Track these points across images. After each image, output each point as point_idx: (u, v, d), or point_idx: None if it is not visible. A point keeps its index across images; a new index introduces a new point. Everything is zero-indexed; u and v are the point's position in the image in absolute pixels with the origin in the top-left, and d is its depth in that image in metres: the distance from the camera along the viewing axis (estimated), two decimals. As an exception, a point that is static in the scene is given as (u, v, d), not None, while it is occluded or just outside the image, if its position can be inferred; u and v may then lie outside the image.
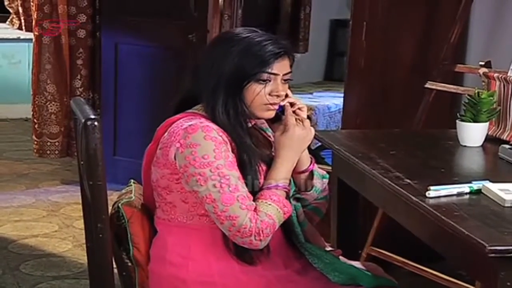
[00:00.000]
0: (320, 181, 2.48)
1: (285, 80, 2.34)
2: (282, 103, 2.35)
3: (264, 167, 2.34)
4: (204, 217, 2.29)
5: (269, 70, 2.30)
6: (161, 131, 2.34)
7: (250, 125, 2.37)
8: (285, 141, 2.34)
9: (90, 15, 5.47)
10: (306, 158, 2.46)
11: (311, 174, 2.46)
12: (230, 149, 2.25)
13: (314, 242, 2.43)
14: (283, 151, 2.34)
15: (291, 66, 2.36)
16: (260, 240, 2.23)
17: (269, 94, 2.31)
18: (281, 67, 2.32)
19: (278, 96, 2.33)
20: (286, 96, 2.36)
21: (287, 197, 2.34)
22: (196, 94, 2.36)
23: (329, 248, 2.49)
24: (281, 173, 2.33)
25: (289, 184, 2.38)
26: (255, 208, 2.24)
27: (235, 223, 2.20)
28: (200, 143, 2.21)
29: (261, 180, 2.31)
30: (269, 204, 2.26)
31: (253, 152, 2.30)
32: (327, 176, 2.53)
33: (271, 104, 2.33)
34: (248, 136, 2.32)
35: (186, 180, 2.24)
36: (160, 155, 2.30)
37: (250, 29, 2.37)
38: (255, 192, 2.28)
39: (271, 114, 2.36)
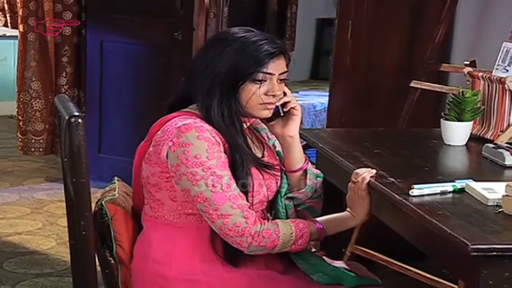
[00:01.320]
0: (314, 180, 2.48)
1: (281, 79, 2.33)
2: (278, 103, 2.35)
3: (255, 169, 2.33)
4: (191, 216, 2.28)
5: (265, 70, 2.28)
6: (155, 129, 2.32)
7: (245, 125, 2.35)
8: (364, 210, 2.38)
9: (75, 13, 5.45)
10: (300, 156, 2.45)
11: (305, 172, 2.46)
12: (222, 150, 2.24)
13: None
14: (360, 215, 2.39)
15: (287, 66, 2.35)
16: (251, 243, 2.21)
17: (265, 94, 2.30)
18: (276, 66, 2.30)
19: (274, 96, 2.31)
20: (285, 94, 2.36)
21: (313, 237, 2.34)
22: (191, 94, 2.34)
23: (313, 249, 2.49)
24: (336, 227, 2.38)
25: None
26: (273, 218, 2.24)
27: (227, 222, 2.19)
28: (193, 143, 2.20)
29: (252, 181, 2.30)
30: (290, 226, 2.27)
31: (245, 154, 2.29)
32: (321, 175, 2.52)
33: (267, 103, 2.31)
34: (241, 137, 2.30)
35: (178, 179, 2.23)
36: (153, 153, 2.29)
37: (246, 29, 2.35)
38: (245, 192, 2.27)
39: (268, 113, 2.35)
